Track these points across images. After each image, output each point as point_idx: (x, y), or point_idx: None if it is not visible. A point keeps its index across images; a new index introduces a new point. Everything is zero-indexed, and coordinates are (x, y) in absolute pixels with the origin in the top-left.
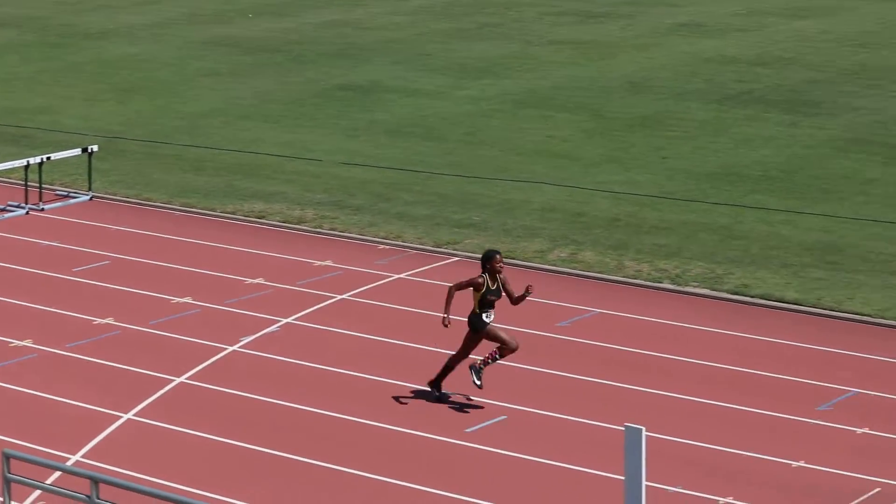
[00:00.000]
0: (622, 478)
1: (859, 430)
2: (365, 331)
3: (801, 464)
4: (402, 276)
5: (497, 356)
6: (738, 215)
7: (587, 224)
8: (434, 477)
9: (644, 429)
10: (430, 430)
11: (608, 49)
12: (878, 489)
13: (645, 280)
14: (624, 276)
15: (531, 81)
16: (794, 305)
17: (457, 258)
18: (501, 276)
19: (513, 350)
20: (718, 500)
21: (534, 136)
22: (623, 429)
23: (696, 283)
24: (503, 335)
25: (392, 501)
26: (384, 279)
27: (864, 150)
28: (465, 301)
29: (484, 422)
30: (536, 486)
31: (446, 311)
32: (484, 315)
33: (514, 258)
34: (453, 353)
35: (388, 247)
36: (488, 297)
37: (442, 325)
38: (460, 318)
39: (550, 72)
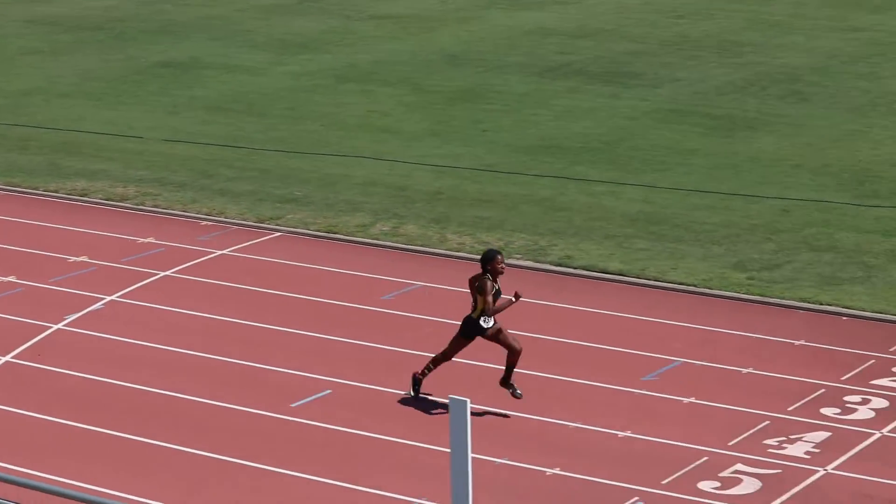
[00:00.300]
0: (448, 450)
1: (685, 400)
2: (189, 307)
3: (628, 434)
4: (225, 251)
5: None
6: (561, 187)
7: (409, 198)
8: (259, 451)
9: (469, 401)
10: (255, 405)
11: (428, 23)
12: (705, 458)
13: (468, 253)
14: (447, 249)
15: (351, 56)
16: (617, 276)
17: (279, 233)
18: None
19: (517, 352)
20: (546, 472)
21: (355, 111)
22: (448, 401)
23: (519, 255)
24: (510, 339)
25: (215, 476)
26: (207, 255)
27: (684, 120)
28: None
29: (309, 396)
30: (362, 459)
31: (505, 305)
32: (482, 320)
33: (336, 232)
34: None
35: (210, 223)
36: (494, 301)
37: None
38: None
39: (371, 46)
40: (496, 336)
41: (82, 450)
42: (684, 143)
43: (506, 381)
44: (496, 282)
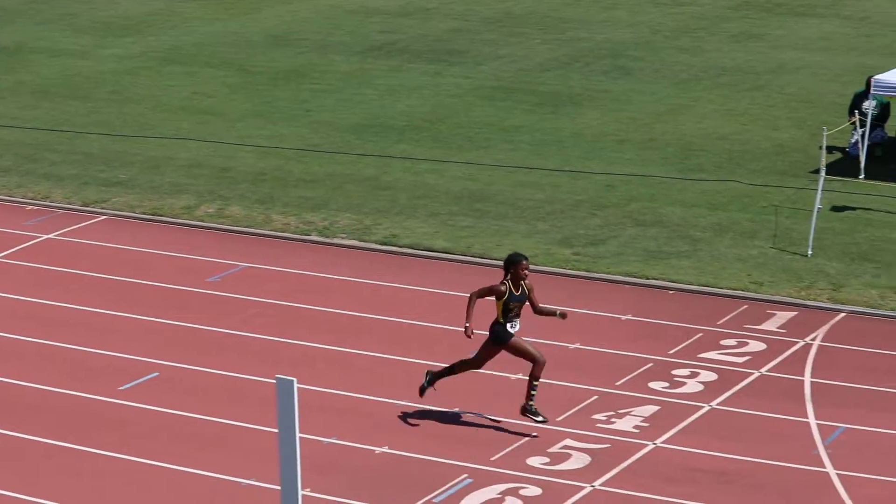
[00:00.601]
0: (276, 430)
1: (513, 376)
2: (16, 292)
3: (456, 411)
4: (51, 236)
5: (533, 383)
6: (385, 166)
7: (234, 179)
8: (88, 435)
9: (296, 380)
10: (84, 388)
11: (252, 4)
12: (534, 434)
13: (293, 233)
14: (272, 230)
15: (176, 38)
16: (443, 254)
17: (105, 217)
18: (526, 282)
19: (541, 365)
20: (375, 450)
21: (179, 93)
22: (274, 381)
23: (344, 235)
24: (529, 348)
25: (45, 460)
26: (33, 240)
27: (509, 97)
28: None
29: (137, 379)
30: (191, 441)
31: (468, 319)
32: (509, 325)
33: (162, 215)
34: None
35: (36, 207)
36: (511, 304)
37: (465, 336)
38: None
39: (195, 28)
40: (517, 345)
41: None
42: (508, 120)
43: (527, 406)
44: (519, 285)
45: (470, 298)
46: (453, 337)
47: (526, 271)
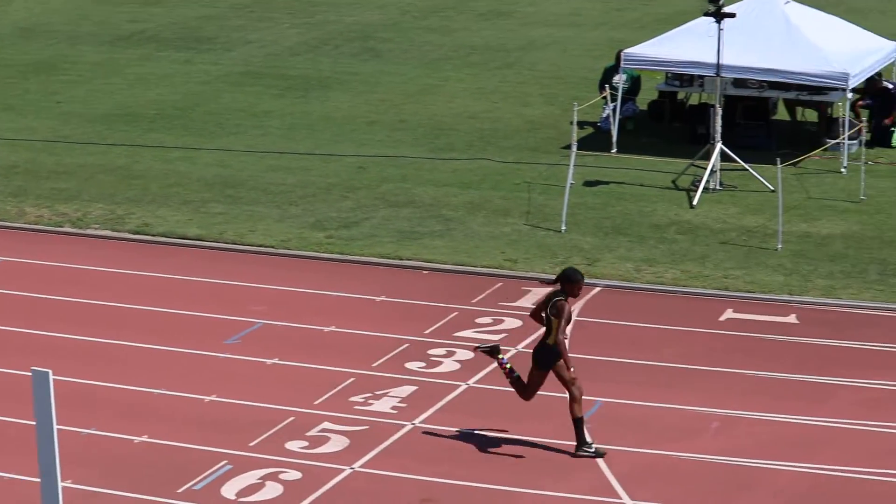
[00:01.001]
0: (34, 423)
1: (269, 361)
2: None
3: (214, 398)
4: None
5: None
6: (136, 155)
7: None
8: None
9: (51, 372)
10: None
11: None
12: (292, 418)
13: (46, 225)
14: (25, 223)
15: None
16: (196, 241)
17: None
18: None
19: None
20: (134, 440)
21: None
22: (30, 373)
23: (97, 225)
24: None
25: None
26: None
27: (258, 83)
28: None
29: None
30: None
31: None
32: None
33: None
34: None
35: None
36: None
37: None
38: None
39: None
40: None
41: None
42: (259, 106)
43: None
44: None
45: (560, 342)
46: (209, 323)
47: (580, 289)
